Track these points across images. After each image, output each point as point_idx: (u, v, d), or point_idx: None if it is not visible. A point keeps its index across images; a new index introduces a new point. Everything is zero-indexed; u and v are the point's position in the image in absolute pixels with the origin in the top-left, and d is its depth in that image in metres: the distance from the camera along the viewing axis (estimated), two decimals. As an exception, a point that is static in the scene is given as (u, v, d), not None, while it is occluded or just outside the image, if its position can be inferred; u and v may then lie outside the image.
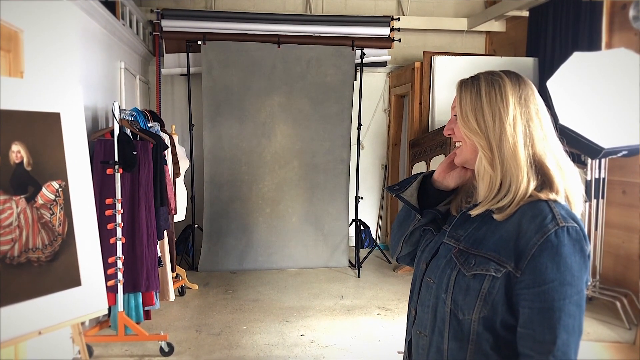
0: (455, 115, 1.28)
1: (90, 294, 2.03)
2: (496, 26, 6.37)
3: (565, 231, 1.10)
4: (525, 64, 5.44)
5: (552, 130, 1.23)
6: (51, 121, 2.03)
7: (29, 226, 1.96)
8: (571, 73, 3.92)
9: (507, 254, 1.14)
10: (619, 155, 3.95)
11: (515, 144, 1.18)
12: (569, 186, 1.20)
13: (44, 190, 2.02)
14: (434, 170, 1.39)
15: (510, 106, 1.20)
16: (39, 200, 2.01)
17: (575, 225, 1.12)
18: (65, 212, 2.03)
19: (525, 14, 5.65)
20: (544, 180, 1.18)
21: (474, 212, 1.24)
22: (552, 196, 1.16)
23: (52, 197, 2.01)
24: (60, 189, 2.03)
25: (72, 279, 1.99)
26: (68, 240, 2.02)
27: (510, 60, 5.58)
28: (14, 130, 1.95)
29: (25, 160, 1.98)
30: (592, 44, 4.51)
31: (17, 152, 1.95)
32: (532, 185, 1.17)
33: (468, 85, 1.24)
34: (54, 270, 1.97)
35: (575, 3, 4.76)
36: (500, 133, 1.19)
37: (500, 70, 1.25)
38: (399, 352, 3.84)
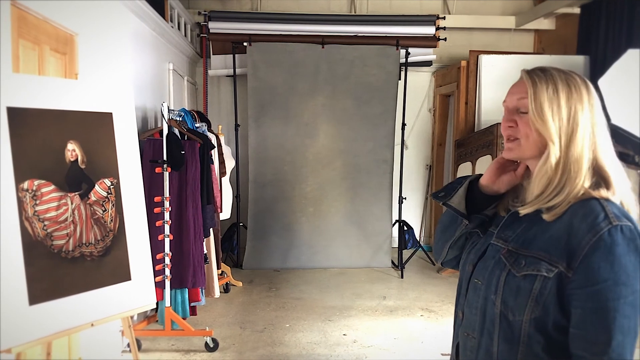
0: (522, 112, 1.21)
1: (139, 288, 2.09)
2: (545, 24, 6.21)
3: (618, 230, 1.08)
4: (575, 62, 5.29)
5: (609, 134, 1.20)
6: (104, 121, 2.11)
7: (83, 222, 2.04)
8: (624, 71, 3.79)
9: (559, 253, 1.11)
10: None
11: (583, 147, 1.16)
12: (623, 189, 1.17)
13: (96, 187, 2.10)
14: (481, 174, 1.36)
15: (585, 108, 1.17)
16: (92, 197, 2.09)
17: (630, 224, 1.09)
18: (116, 209, 2.11)
19: (577, 10, 5.50)
20: (599, 181, 1.16)
21: (522, 211, 1.21)
22: (604, 193, 1.14)
23: (105, 194, 2.09)
24: (112, 186, 2.11)
25: (122, 274, 2.06)
26: (119, 236, 2.10)
27: (560, 59, 5.44)
28: (69, 130, 2.03)
29: (79, 158, 2.06)
30: (647, 41, 4.36)
31: (72, 150, 2.03)
32: (587, 185, 1.15)
33: (542, 78, 1.19)
34: (106, 264, 2.04)
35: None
36: (572, 134, 1.16)
37: (568, 70, 1.22)
38: (442, 355, 3.80)
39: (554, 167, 1.16)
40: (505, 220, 1.26)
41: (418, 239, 6.56)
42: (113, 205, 2.08)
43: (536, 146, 1.19)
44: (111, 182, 2.09)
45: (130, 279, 2.05)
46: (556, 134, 1.16)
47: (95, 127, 2.10)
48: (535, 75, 1.19)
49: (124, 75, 3.60)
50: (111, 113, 2.12)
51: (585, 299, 1.08)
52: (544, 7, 5.84)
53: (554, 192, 1.16)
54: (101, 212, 2.08)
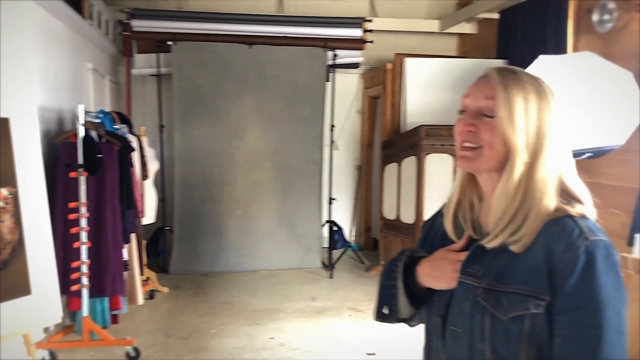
0: (486, 115, 1.06)
1: (41, 302, 1.99)
2: (467, 28, 6.41)
3: (595, 246, 0.98)
4: (495, 66, 5.48)
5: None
6: None
7: (-21, 233, 1.92)
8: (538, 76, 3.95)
9: (541, 283, 0.99)
10: (583, 157, 4.00)
11: (550, 165, 1.04)
12: (594, 210, 1.07)
13: (-6, 196, 1.98)
14: (413, 250, 1.21)
15: (553, 119, 1.05)
16: (-10, 207, 1.97)
17: (606, 239, 1.00)
18: (15, 219, 1.99)
19: (496, 16, 5.70)
20: (568, 199, 1.05)
21: (489, 245, 1.05)
22: (579, 209, 1.03)
23: (1, 204, 1.97)
24: (10, 196, 1.99)
25: (21, 288, 1.95)
26: (18, 247, 1.98)
27: (481, 62, 5.62)
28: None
29: (-26, 166, 1.94)
30: (559, 47, 4.56)
31: (-34, 157, 1.91)
32: (552, 206, 1.03)
33: (514, 81, 1.04)
34: (3, 279, 1.93)
35: (543, 6, 4.81)
36: (539, 148, 1.04)
37: (534, 75, 1.09)
38: (368, 354, 3.84)
39: (517, 184, 1.03)
40: (470, 253, 1.10)
41: (348, 239, 6.61)
42: (12, 215, 1.97)
43: (498, 158, 1.05)
44: (9, 191, 1.98)
45: (29, 293, 1.94)
46: (524, 147, 1.03)
47: (-7, 132, 1.98)
48: (506, 77, 1.05)
49: (28, 76, 3.39)
50: (7, 118, 2.00)
51: (567, 326, 0.98)
52: (466, 12, 6.02)
53: (520, 218, 1.03)
54: None
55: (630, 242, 3.52)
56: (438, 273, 1.13)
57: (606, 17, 4.12)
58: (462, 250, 1.13)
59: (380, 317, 1.21)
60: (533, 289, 1.00)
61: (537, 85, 1.06)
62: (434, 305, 1.16)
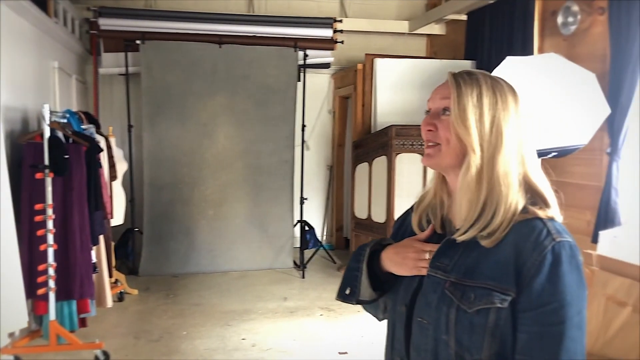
0: (444, 115, 1.12)
1: (6, 307, 1.94)
2: (436, 29, 6.49)
3: (561, 246, 1.02)
4: (464, 66, 5.55)
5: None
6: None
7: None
8: (504, 77, 4.03)
9: (508, 279, 1.03)
10: (549, 156, 4.09)
11: (510, 160, 1.08)
12: (554, 207, 1.11)
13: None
14: (383, 239, 1.25)
15: (511, 118, 1.09)
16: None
17: (571, 240, 1.05)
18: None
19: (464, 17, 5.77)
20: (535, 199, 1.09)
21: (460, 238, 1.09)
22: (549, 213, 1.07)
23: (-36, 206, 1.92)
24: (-27, 198, 1.94)
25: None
26: (-18, 251, 1.94)
27: (450, 63, 5.69)
28: None
29: None
30: (526, 49, 4.65)
31: None
32: (521, 204, 1.07)
33: (467, 82, 1.10)
34: (-34, 283, 1.88)
35: (510, 8, 4.89)
36: (497, 144, 1.08)
37: (495, 75, 1.14)
38: (340, 353, 3.86)
39: (476, 180, 1.08)
40: (440, 247, 1.14)
41: (319, 238, 6.63)
42: (-25, 218, 1.91)
43: (456, 154, 1.10)
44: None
45: (-6, 298, 1.89)
46: (477, 143, 1.08)
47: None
48: (460, 78, 1.11)
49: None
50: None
51: (531, 322, 1.01)
52: (435, 13, 6.09)
53: (486, 213, 1.07)
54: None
55: (595, 239, 3.61)
56: (400, 259, 1.18)
57: (570, 19, 4.22)
58: (428, 242, 1.18)
59: (342, 297, 1.25)
60: (500, 285, 1.03)
61: (494, 84, 1.11)
62: (400, 295, 1.20)
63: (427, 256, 1.15)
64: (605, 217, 3.67)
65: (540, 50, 4.61)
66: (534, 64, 4.09)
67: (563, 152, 4.07)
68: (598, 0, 3.95)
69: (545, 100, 4.03)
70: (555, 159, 4.32)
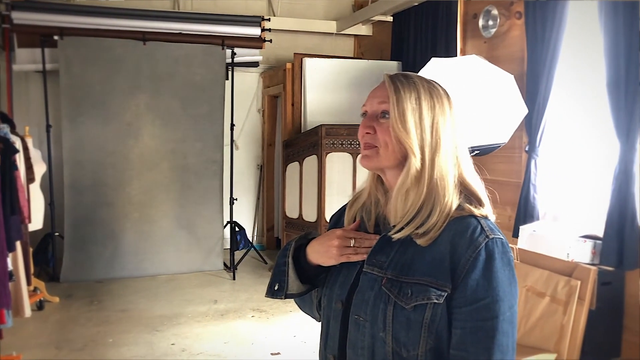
0: (382, 118, 1.13)
1: None
2: (363, 30, 6.58)
3: (494, 243, 1.06)
4: (390, 67, 5.67)
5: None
6: None
7: None
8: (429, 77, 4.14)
9: (444, 275, 1.05)
10: (472, 154, 4.25)
11: (447, 162, 1.11)
12: (487, 205, 1.14)
13: None
14: (309, 233, 1.26)
15: (447, 121, 1.12)
16: None
17: (502, 237, 1.08)
18: None
19: (390, 19, 5.89)
20: (470, 198, 1.12)
21: (396, 236, 1.11)
22: (483, 212, 1.11)
23: None
24: None
25: None
26: None
27: (377, 64, 5.79)
28: None
29: None
30: (449, 50, 4.80)
31: None
32: (456, 204, 1.10)
33: (405, 85, 1.11)
34: None
35: (433, 10, 5.04)
36: (436, 147, 1.10)
37: (429, 79, 1.16)
38: (272, 354, 3.84)
39: (415, 181, 1.10)
40: (376, 244, 1.14)
41: (250, 239, 6.57)
42: None
43: (395, 156, 1.12)
44: None
45: None
46: (418, 146, 1.10)
47: None
48: (398, 81, 1.12)
49: None
50: None
51: (466, 318, 1.04)
52: (361, 14, 6.18)
53: (422, 213, 1.09)
54: None
55: (515, 234, 3.78)
56: (323, 248, 1.18)
57: (490, 22, 4.40)
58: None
59: (271, 293, 1.24)
60: (436, 280, 1.05)
61: (430, 87, 1.13)
62: (335, 292, 1.19)
63: (351, 243, 1.16)
64: (525, 212, 3.85)
65: (463, 52, 4.78)
66: (457, 65, 4.24)
67: (485, 151, 4.23)
68: (516, 5, 4.14)
69: (467, 100, 4.17)
70: (477, 157, 4.49)
